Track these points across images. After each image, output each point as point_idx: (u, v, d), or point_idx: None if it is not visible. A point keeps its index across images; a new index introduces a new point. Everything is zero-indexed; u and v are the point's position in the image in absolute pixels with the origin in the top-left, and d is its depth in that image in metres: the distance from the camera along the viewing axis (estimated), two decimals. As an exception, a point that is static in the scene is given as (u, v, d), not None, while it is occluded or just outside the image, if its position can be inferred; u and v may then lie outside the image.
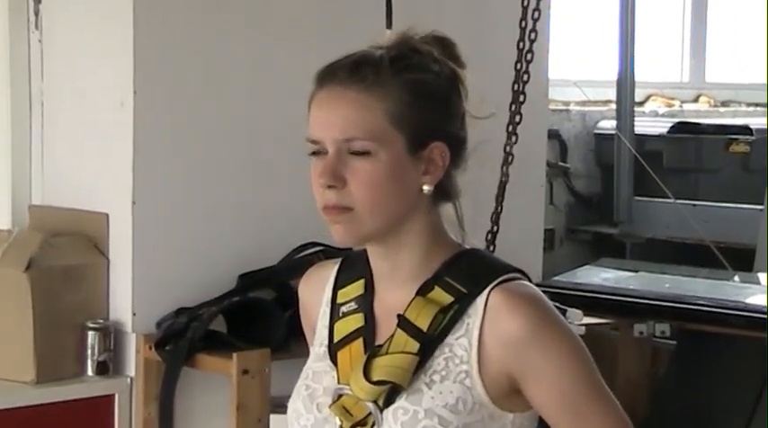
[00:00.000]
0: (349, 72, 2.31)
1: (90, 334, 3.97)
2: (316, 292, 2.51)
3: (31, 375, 3.89)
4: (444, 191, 2.38)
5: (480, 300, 2.31)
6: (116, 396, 4.00)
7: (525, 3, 4.32)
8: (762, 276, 4.92)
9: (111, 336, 4.00)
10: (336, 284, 2.48)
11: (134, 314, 4.00)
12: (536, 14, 4.33)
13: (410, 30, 2.37)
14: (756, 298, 4.71)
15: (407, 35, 2.35)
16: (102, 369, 3.99)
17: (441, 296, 2.35)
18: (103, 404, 4.00)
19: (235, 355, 3.82)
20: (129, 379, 4.02)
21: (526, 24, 4.33)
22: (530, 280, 2.40)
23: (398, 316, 2.34)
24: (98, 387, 3.99)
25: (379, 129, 2.29)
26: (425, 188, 2.32)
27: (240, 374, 3.81)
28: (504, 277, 2.37)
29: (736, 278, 4.96)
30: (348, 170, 2.28)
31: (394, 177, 2.31)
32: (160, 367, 3.95)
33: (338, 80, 2.31)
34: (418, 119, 2.33)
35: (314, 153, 2.28)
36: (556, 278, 5.00)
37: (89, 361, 3.98)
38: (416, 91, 2.33)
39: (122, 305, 4.03)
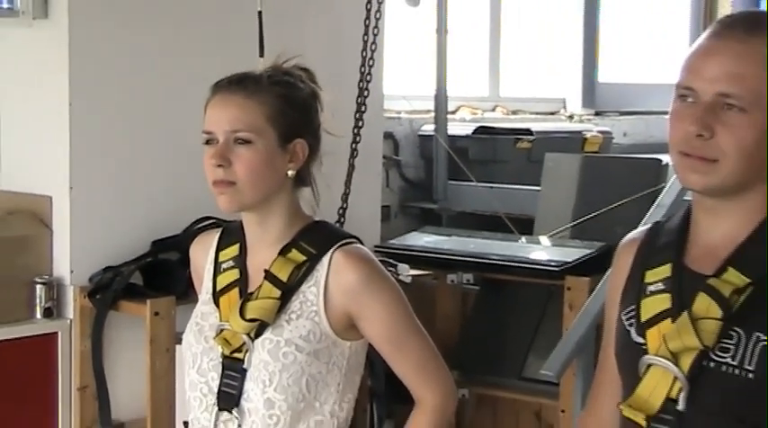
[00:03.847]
0: (237, 83, 2.37)
1: (38, 287, 3.95)
2: (203, 253, 2.55)
3: (-7, 318, 3.83)
4: (303, 178, 2.45)
5: (326, 259, 2.37)
6: (59, 334, 3.97)
7: (365, 38, 4.35)
8: (542, 238, 4.96)
9: (55, 288, 3.97)
10: (218, 247, 2.52)
11: (72, 271, 3.98)
12: (373, 47, 4.39)
13: (281, 59, 2.43)
14: (535, 255, 4.74)
15: (280, 63, 2.42)
16: (47, 313, 3.96)
17: (297, 255, 2.39)
18: (49, 339, 3.96)
19: (148, 301, 3.83)
20: (68, 321, 3.99)
21: (366, 54, 4.36)
22: (362, 244, 2.45)
23: (265, 270, 2.38)
24: (45, 326, 3.96)
25: (258, 124, 2.33)
26: (289, 172, 2.39)
27: (152, 316, 3.82)
28: (344, 241, 2.43)
29: (522, 240, 4.99)
30: (233, 154, 2.33)
31: (267, 162, 2.35)
32: (92, 311, 3.94)
33: (228, 88, 2.37)
34: (287, 121, 2.38)
35: (208, 141, 2.32)
36: (391, 241, 5.00)
37: (38, 308, 3.95)
38: (286, 100, 2.38)
39: (62, 265, 3.99)
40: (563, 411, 4.17)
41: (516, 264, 4.61)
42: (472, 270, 4.74)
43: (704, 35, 1.94)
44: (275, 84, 2.35)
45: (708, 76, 1.88)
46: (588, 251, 4.46)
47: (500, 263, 4.65)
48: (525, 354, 4.60)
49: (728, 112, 1.87)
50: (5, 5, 3.96)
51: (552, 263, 4.48)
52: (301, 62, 2.44)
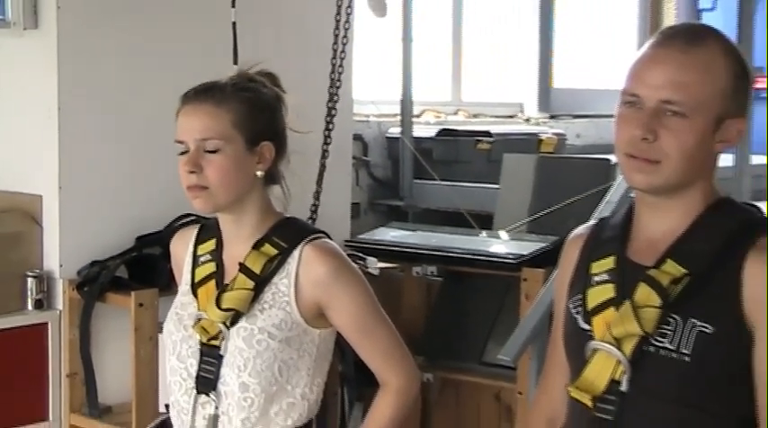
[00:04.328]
0: (204, 93, 2.36)
1: (29, 280, 3.94)
2: (182, 248, 2.55)
3: (-13, 310, 3.82)
4: (272, 177, 2.45)
5: (296, 252, 2.38)
6: (49, 324, 3.96)
7: (335, 47, 4.35)
8: (501, 232, 4.96)
9: (45, 281, 3.96)
10: (197, 242, 2.52)
11: (61, 265, 3.97)
12: (343, 55, 4.37)
13: (247, 66, 2.43)
14: (494, 248, 4.74)
15: (245, 70, 2.41)
16: (38, 304, 3.96)
17: (269, 249, 2.39)
18: (40, 329, 3.95)
19: (133, 293, 3.82)
20: (58, 312, 3.98)
21: (336, 62, 4.36)
22: (331, 239, 2.46)
23: (240, 264, 2.39)
24: (36, 317, 3.95)
25: (226, 131, 2.33)
26: (258, 173, 2.38)
27: (137, 306, 3.81)
28: (313, 236, 2.44)
29: (482, 234, 4.99)
30: (204, 160, 2.32)
31: (236, 165, 2.35)
32: (80, 303, 3.94)
33: (196, 98, 2.35)
34: (253, 125, 2.37)
35: (181, 152, 2.32)
36: (360, 236, 4.99)
37: (29, 299, 3.95)
38: (251, 106, 2.37)
39: (52, 259, 3.98)
40: (520, 393, 4.18)
41: (477, 257, 4.61)
42: (436, 262, 4.72)
43: (648, 45, 1.96)
44: (240, 91, 2.35)
45: (652, 84, 1.91)
46: (543, 244, 4.47)
47: (462, 256, 4.64)
48: (485, 341, 4.59)
49: (671, 118, 1.89)
50: (-2, 16, 3.96)
51: (510, 256, 4.48)
52: (265, 68, 2.45)
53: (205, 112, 2.31)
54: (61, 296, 3.96)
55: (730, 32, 4.18)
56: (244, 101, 2.34)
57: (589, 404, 1.95)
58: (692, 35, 1.94)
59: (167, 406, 2.48)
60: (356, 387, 3.99)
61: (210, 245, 2.45)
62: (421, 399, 4.83)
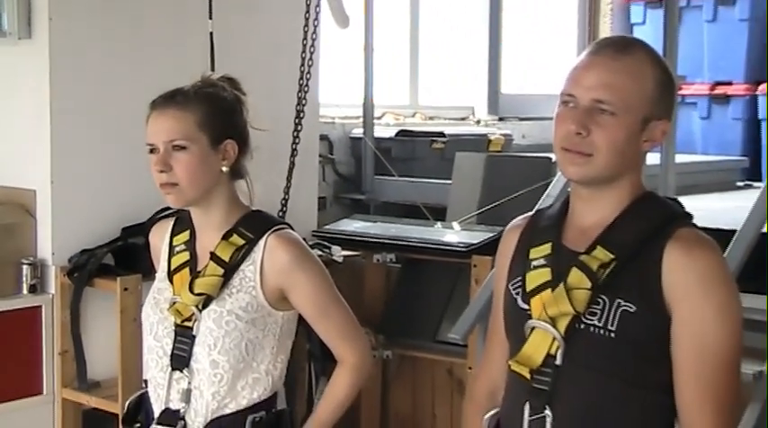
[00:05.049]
0: (169, 99, 2.35)
1: (24, 267, 3.91)
2: (160, 238, 2.54)
3: (-15, 294, 3.79)
4: (237, 171, 2.44)
5: (262, 242, 2.38)
6: (42, 307, 3.94)
7: (303, 56, 4.35)
8: (453, 223, 4.97)
9: (39, 268, 3.93)
10: (172, 233, 2.52)
11: (53, 253, 3.94)
12: (310, 63, 4.37)
13: (208, 73, 2.42)
14: (447, 238, 4.74)
15: (207, 76, 2.40)
16: (32, 289, 3.93)
17: (237, 239, 2.39)
18: (34, 311, 3.93)
19: (118, 279, 3.80)
20: (51, 296, 3.95)
21: (304, 69, 4.35)
22: (293, 230, 2.46)
23: (211, 252, 2.39)
24: (31, 300, 3.92)
25: (191, 132, 2.32)
26: (223, 169, 2.38)
27: (122, 291, 3.80)
28: (277, 227, 2.44)
29: (437, 225, 5.00)
30: (173, 159, 2.31)
31: (202, 163, 2.35)
32: (71, 287, 3.91)
33: (163, 104, 2.34)
34: (215, 125, 2.37)
35: (151, 151, 2.30)
36: (326, 227, 4.97)
37: (24, 284, 3.91)
38: (213, 108, 2.37)
39: (45, 248, 3.95)
40: (470, 368, 4.19)
41: (431, 246, 4.62)
42: (395, 251, 4.72)
43: (584, 52, 2.00)
44: (202, 95, 2.34)
45: (586, 85, 1.93)
46: (491, 234, 4.47)
47: (418, 244, 4.65)
48: (439, 321, 4.61)
49: (602, 115, 1.92)
50: (-6, 27, 3.94)
51: (461, 245, 4.49)
52: (228, 74, 2.45)
53: (171, 116, 2.30)
54: (53, 281, 3.93)
55: (657, 44, 4.22)
56: (206, 104, 2.33)
57: (527, 376, 1.97)
58: (623, 45, 1.97)
59: (146, 382, 2.47)
60: (322, 364, 3.99)
61: (185, 236, 2.45)
62: (381, 374, 4.85)
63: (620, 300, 1.90)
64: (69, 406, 3.98)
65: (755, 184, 6.59)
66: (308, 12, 4.33)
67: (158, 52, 4.16)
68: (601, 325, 1.91)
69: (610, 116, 1.91)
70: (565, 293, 1.93)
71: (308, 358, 3.94)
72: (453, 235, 4.80)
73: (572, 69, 1.99)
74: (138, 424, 2.46)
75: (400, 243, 4.71)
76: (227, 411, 2.35)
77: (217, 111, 2.34)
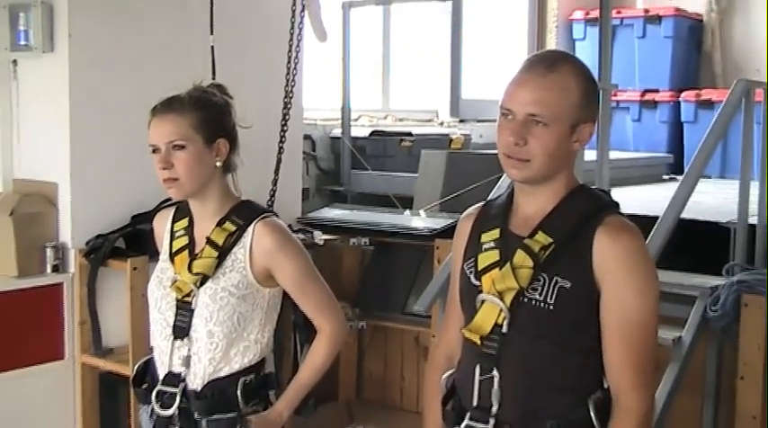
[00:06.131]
0: (167, 105, 2.35)
1: (48, 250, 3.90)
2: (162, 225, 2.53)
3: (15, 272, 3.82)
4: (228, 166, 2.43)
5: (251, 228, 2.37)
6: (64, 284, 3.93)
7: (289, 66, 4.34)
8: (420, 211, 4.98)
9: (60, 250, 3.92)
10: (173, 220, 2.51)
11: (72, 238, 3.93)
12: (295, 72, 4.35)
13: (198, 81, 2.39)
14: (414, 223, 4.75)
15: (198, 84, 2.39)
16: (55, 269, 3.92)
17: (230, 226, 2.39)
18: (57, 288, 3.93)
19: (129, 260, 3.80)
20: (71, 274, 3.94)
21: (289, 77, 4.34)
22: (278, 217, 2.46)
23: (207, 237, 2.38)
24: (53, 278, 3.91)
25: (187, 133, 2.31)
26: (217, 164, 2.37)
27: (132, 270, 3.79)
28: (264, 215, 2.43)
29: (406, 213, 5.02)
30: (173, 158, 2.30)
31: (198, 159, 2.34)
32: (88, 267, 3.89)
33: (162, 110, 2.34)
34: (208, 126, 2.36)
35: (154, 151, 2.29)
36: (309, 214, 4.98)
37: (48, 265, 3.90)
38: (205, 111, 2.36)
39: (65, 233, 3.94)
40: (434, 336, 4.21)
41: (400, 231, 4.63)
42: (368, 235, 4.73)
43: (518, 70, 1.99)
44: (196, 101, 2.34)
45: (520, 101, 1.94)
46: (452, 221, 4.48)
47: (388, 229, 4.66)
48: (407, 295, 4.63)
49: (536, 127, 1.93)
50: (23, 42, 3.93)
51: (426, 230, 4.50)
52: (216, 81, 2.46)
53: (170, 120, 2.31)
54: (73, 262, 3.92)
55: (595, 57, 4.24)
56: (199, 108, 2.33)
57: (478, 342, 1.99)
58: (551, 62, 1.97)
59: (152, 348, 2.48)
60: (305, 333, 3.99)
61: (184, 223, 2.45)
62: (357, 342, 4.87)
63: (557, 278, 1.92)
64: (87, 369, 3.98)
65: (678, 177, 6.62)
66: (292, 28, 4.33)
67: (164, 63, 4.14)
68: (541, 299, 1.93)
69: (543, 127, 1.92)
70: (511, 271, 1.95)
71: (294, 328, 3.94)
72: (419, 221, 4.81)
73: (508, 85, 1.99)
74: (146, 385, 2.46)
75: (373, 228, 4.72)
76: (222, 374, 2.36)
77: (209, 115, 2.34)
